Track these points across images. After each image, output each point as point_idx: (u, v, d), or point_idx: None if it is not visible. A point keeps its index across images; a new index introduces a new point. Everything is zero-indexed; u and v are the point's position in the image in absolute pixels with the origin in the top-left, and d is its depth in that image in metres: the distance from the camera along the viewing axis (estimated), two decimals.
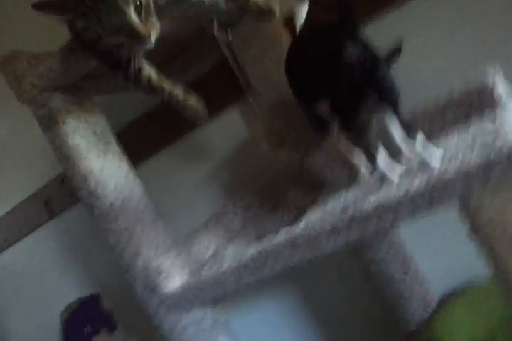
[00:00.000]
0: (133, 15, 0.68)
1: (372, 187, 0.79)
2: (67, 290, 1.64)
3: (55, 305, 1.47)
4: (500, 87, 0.91)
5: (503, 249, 0.67)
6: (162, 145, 1.39)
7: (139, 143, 1.32)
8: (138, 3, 0.69)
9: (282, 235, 0.81)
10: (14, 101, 0.89)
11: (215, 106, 1.18)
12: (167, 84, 0.83)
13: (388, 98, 0.77)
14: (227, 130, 1.28)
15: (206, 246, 1.03)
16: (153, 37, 0.71)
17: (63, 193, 1.53)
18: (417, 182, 0.69)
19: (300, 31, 0.97)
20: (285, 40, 1.12)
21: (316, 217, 0.82)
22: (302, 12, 0.99)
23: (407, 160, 0.78)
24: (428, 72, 1.09)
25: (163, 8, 0.79)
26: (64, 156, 0.90)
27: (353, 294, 1.30)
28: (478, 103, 0.93)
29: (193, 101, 0.85)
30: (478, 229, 0.68)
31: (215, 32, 1.00)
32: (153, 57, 0.82)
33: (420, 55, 1.07)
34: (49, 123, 0.89)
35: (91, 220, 0.93)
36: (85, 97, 0.97)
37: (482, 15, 1.05)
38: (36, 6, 0.68)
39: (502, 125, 0.79)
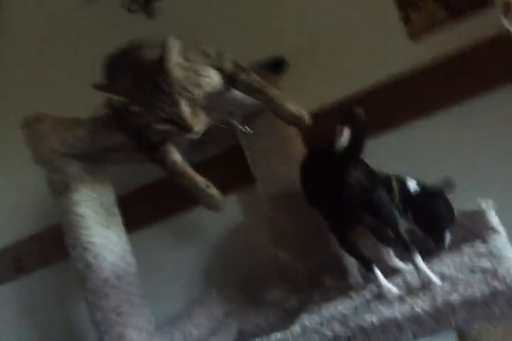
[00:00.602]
0: (185, 107, 0.72)
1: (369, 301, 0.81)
2: None
3: None
4: (493, 218, 0.98)
5: None
6: (157, 218, 1.38)
7: (133, 211, 1.31)
8: (190, 96, 0.73)
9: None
10: None
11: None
12: (190, 171, 0.86)
13: (383, 216, 0.84)
14: (224, 215, 1.29)
15: (189, 334, 1.00)
16: (199, 129, 0.75)
17: (36, 253, 1.48)
18: (422, 302, 0.71)
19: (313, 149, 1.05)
20: (295, 138, 1.20)
21: (312, 324, 0.81)
22: None
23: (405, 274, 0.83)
24: None
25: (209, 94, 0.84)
26: (68, 224, 0.89)
27: None
28: (472, 227, 0.99)
29: (214, 192, 0.86)
30: None
31: (237, 124, 1.05)
32: None
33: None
34: (61, 189, 0.89)
35: (80, 292, 0.89)
36: (100, 167, 0.98)
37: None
38: (98, 87, 0.71)
39: (497, 251, 0.83)
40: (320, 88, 1.24)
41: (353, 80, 1.22)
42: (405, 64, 1.18)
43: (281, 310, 1.05)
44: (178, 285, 1.34)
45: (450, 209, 0.93)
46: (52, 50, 1.50)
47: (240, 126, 1.04)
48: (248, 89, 0.88)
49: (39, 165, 0.90)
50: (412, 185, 0.94)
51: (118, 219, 0.99)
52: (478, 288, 0.69)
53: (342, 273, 1.00)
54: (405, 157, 1.18)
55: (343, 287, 0.96)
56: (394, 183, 0.92)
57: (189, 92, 0.73)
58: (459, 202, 0.95)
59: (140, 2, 1.40)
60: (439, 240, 0.91)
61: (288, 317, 0.98)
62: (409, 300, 0.74)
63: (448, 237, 0.91)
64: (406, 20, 1.19)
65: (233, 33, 1.31)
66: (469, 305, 0.67)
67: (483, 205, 1.00)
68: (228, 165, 1.28)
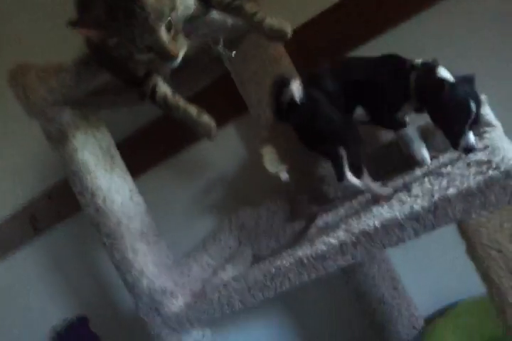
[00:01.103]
0: (163, 34, 0.71)
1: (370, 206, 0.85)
2: (53, 310, 1.60)
3: (41, 325, 1.44)
4: (487, 113, 0.99)
5: (498, 267, 0.72)
6: (158, 160, 1.40)
7: (134, 157, 1.33)
8: (167, 20, 0.72)
9: (287, 256, 0.83)
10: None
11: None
12: (182, 103, 0.86)
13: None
14: (224, 146, 1.31)
15: (206, 264, 1.05)
16: (181, 55, 0.74)
17: (50, 210, 1.52)
18: (421, 201, 0.73)
19: None
20: (284, 60, 1.18)
21: (318, 236, 0.85)
22: None
23: None
24: None
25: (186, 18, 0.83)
26: (72, 172, 0.91)
27: (342, 314, 1.33)
28: None
29: (206, 119, 0.87)
30: (474, 248, 0.73)
31: (221, 49, 1.03)
32: None
33: None
34: (58, 138, 0.91)
35: (97, 237, 0.93)
36: (93, 112, 0.99)
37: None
38: (72, 24, 0.70)
39: (492, 143, 0.85)
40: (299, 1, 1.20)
41: None
42: None
43: (290, 230, 1.09)
44: (191, 220, 1.38)
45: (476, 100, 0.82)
46: None
47: (222, 51, 1.02)
48: (225, 8, 0.86)
49: (32, 117, 0.91)
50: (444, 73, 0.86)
51: (119, 161, 1.00)
52: (474, 180, 0.71)
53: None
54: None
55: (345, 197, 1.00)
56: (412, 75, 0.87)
57: (165, 16, 0.71)
58: None
59: None
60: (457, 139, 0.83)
61: (297, 236, 1.03)
62: (408, 199, 0.77)
63: (470, 138, 0.83)
64: None
65: None
66: (466, 196, 0.69)
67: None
68: (220, 95, 1.27)
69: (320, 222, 0.97)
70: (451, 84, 0.82)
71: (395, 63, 0.90)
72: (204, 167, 1.36)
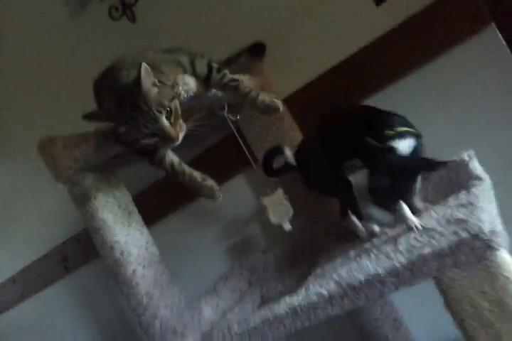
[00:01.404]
0: (165, 122, 0.83)
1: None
2: None
3: None
4: (476, 167, 1.06)
5: (472, 320, 0.78)
6: (174, 209, 1.52)
7: (152, 206, 1.45)
8: (168, 110, 0.84)
9: (284, 304, 0.91)
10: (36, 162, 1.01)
11: (222, 174, 1.35)
12: (187, 169, 0.98)
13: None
14: (235, 195, 1.42)
15: (216, 306, 1.14)
16: (181, 137, 0.86)
17: (79, 251, 1.65)
18: (402, 258, 0.81)
19: None
20: (287, 119, 1.29)
21: (312, 287, 0.92)
22: None
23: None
24: None
25: (186, 102, 0.95)
26: (94, 228, 1.02)
27: None
28: (456, 179, 1.07)
29: (209, 183, 0.98)
30: (449, 302, 0.80)
31: (226, 113, 1.15)
32: None
33: None
34: (82, 200, 1.02)
35: (114, 285, 1.04)
36: (112, 173, 1.11)
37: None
38: (87, 117, 0.83)
39: (474, 204, 0.91)
40: (301, 65, 1.32)
41: (331, 53, 1.29)
42: (375, 29, 1.23)
43: (296, 275, 1.17)
44: (203, 265, 1.48)
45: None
46: (47, 68, 1.63)
47: (227, 116, 1.13)
48: (222, 88, 0.98)
49: (59, 182, 1.03)
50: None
51: (137, 216, 1.11)
52: (448, 239, 0.78)
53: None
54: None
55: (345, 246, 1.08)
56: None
57: (165, 107, 0.83)
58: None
59: (120, 8, 1.49)
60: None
61: (300, 282, 1.11)
62: (390, 254, 0.85)
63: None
64: None
65: (211, 25, 1.39)
66: (439, 255, 0.77)
67: (465, 156, 1.08)
68: (232, 149, 1.38)
69: (318, 269, 1.05)
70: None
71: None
72: (215, 215, 1.46)
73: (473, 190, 0.99)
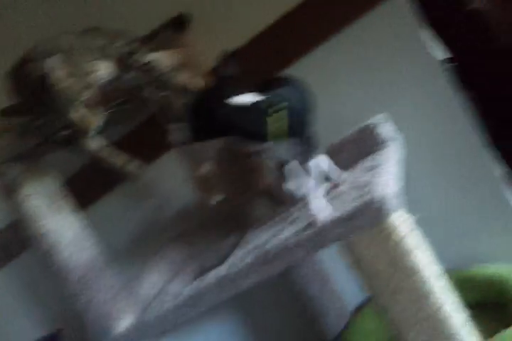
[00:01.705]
0: (76, 115, 0.86)
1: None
2: (26, 330, 1.76)
3: None
4: (386, 130, 1.15)
5: (373, 282, 0.89)
6: (105, 191, 1.54)
7: (84, 189, 1.47)
8: (80, 100, 0.87)
9: (211, 276, 0.99)
10: None
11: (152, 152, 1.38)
12: (106, 155, 1.02)
13: None
14: (167, 172, 1.47)
15: (153, 283, 1.20)
16: (94, 128, 0.89)
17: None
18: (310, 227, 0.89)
19: None
20: None
21: (237, 256, 1.01)
22: None
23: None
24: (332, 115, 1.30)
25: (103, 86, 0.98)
26: (23, 218, 1.05)
27: (282, 310, 1.51)
28: (367, 142, 1.16)
29: (130, 168, 1.03)
30: (353, 263, 0.90)
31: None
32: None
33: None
34: (9, 190, 1.05)
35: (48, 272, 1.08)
36: (38, 161, 1.12)
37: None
38: (5, 113, 0.85)
39: (376, 169, 1.01)
40: (222, 37, 1.33)
41: (249, 25, 1.32)
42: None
43: (230, 244, 1.25)
44: (142, 243, 1.54)
45: None
46: None
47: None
48: (138, 70, 1.01)
49: None
50: None
51: (67, 202, 1.14)
52: (350, 205, 0.87)
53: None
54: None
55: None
56: None
57: (77, 98, 0.86)
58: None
59: None
60: None
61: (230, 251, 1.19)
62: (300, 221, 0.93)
63: None
64: None
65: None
66: (338, 222, 0.86)
67: (376, 119, 1.16)
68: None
69: (248, 239, 1.12)
70: None
71: None
72: (146, 193, 1.51)
73: (380, 153, 1.09)
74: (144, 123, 1.44)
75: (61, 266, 1.05)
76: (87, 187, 1.45)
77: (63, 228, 1.09)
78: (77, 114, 0.86)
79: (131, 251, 1.53)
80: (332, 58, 1.30)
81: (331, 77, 1.32)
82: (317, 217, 0.89)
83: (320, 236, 0.87)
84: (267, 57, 1.32)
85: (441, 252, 0.98)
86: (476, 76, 1.34)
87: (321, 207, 0.91)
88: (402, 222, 0.87)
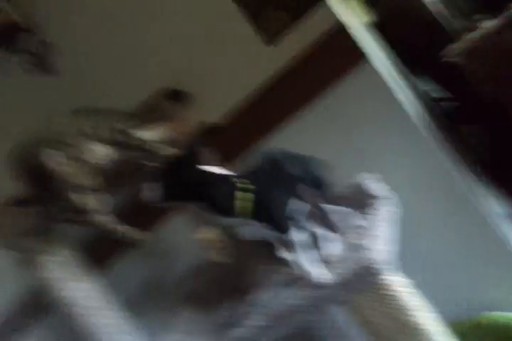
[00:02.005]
0: (77, 200, 0.96)
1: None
2: None
3: None
4: (377, 189, 1.18)
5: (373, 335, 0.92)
6: (120, 254, 1.54)
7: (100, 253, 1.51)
8: (82, 188, 0.95)
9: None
10: None
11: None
12: (110, 225, 1.09)
13: None
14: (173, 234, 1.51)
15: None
16: (94, 208, 0.99)
17: None
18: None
19: None
20: None
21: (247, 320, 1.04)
22: None
23: None
24: None
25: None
26: (43, 286, 1.13)
27: None
28: (358, 201, 1.18)
29: (131, 234, 1.10)
30: (359, 322, 0.94)
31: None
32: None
33: None
34: (28, 262, 1.12)
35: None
36: (54, 233, 1.19)
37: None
38: (18, 205, 0.94)
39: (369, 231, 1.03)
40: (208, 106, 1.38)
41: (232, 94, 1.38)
42: (268, 69, 1.33)
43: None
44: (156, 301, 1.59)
45: None
46: None
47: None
48: (128, 148, 1.09)
49: (5, 249, 1.12)
50: None
51: (83, 267, 1.21)
52: (346, 270, 0.91)
53: None
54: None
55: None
56: None
57: (76, 187, 0.95)
58: None
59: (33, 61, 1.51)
60: None
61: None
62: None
63: None
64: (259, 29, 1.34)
65: (126, 74, 1.46)
66: (340, 286, 0.90)
67: (364, 178, 1.20)
68: None
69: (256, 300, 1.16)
70: None
71: None
72: (162, 252, 1.57)
73: (372, 213, 1.10)
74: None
75: (81, 329, 1.11)
76: (101, 251, 1.52)
77: (82, 292, 1.15)
78: (77, 198, 0.95)
79: (147, 309, 1.58)
80: (316, 122, 1.34)
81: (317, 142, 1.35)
82: (315, 282, 0.93)
83: (320, 299, 0.91)
84: (247, 128, 1.37)
85: (449, 302, 1.01)
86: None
87: (318, 273, 0.95)
88: (397, 283, 0.91)
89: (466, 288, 1.30)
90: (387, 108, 1.28)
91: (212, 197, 0.98)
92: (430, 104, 1.52)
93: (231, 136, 1.35)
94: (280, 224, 0.98)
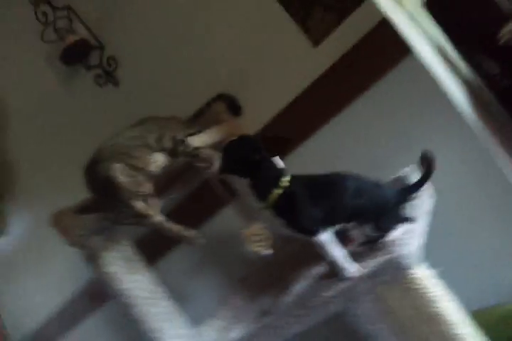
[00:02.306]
0: (140, 207, 1.08)
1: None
2: None
3: None
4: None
5: (402, 326, 0.99)
6: (172, 246, 1.72)
7: (154, 246, 1.65)
8: (140, 195, 1.07)
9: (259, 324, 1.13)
10: None
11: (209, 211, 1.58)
12: (167, 225, 1.20)
13: None
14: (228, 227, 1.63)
15: (218, 328, 1.35)
16: (156, 213, 1.11)
17: None
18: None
19: None
20: None
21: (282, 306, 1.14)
22: None
23: None
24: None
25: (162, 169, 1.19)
26: (104, 281, 1.27)
27: None
28: None
29: (188, 234, 1.21)
30: (384, 312, 1.00)
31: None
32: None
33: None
34: (92, 259, 1.27)
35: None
36: (114, 231, 1.34)
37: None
38: (80, 213, 1.07)
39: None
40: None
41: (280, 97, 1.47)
42: (316, 70, 1.41)
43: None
44: (209, 289, 1.72)
45: None
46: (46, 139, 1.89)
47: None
48: (186, 156, 1.20)
49: (72, 247, 1.27)
50: None
51: (140, 263, 1.35)
52: (373, 263, 0.99)
53: None
54: (343, 151, 1.46)
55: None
56: None
57: (138, 195, 1.08)
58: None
59: (103, 75, 1.70)
60: None
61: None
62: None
63: None
64: (305, 30, 1.40)
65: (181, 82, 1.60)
66: (366, 278, 0.98)
67: (407, 171, 1.26)
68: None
69: (292, 290, 1.25)
70: None
71: None
72: (211, 248, 1.68)
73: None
74: (198, 188, 1.63)
75: (138, 318, 1.24)
76: (157, 243, 1.65)
77: (138, 286, 1.29)
78: (141, 206, 1.07)
79: (200, 295, 1.71)
80: (363, 116, 1.42)
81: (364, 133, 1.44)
82: (346, 274, 1.01)
83: (350, 290, 0.99)
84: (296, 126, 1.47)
85: (476, 290, 1.05)
86: None
87: (349, 265, 1.02)
88: (423, 276, 0.97)
89: (494, 275, 1.34)
90: (432, 101, 1.32)
91: (258, 178, 1.07)
92: (486, 82, 1.56)
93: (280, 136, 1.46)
94: (303, 230, 1.06)
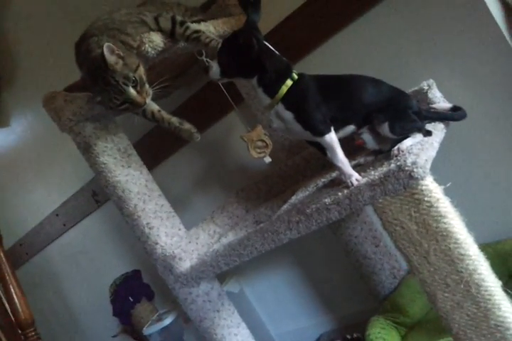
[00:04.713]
0: (131, 92, 0.97)
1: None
2: (114, 266, 2.00)
3: (105, 278, 1.83)
4: (436, 95, 1.14)
5: (403, 240, 0.92)
6: (171, 152, 1.69)
7: (152, 151, 1.62)
8: (133, 79, 0.97)
9: (257, 229, 1.07)
10: None
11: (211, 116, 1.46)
12: (166, 116, 1.12)
13: None
14: (227, 132, 1.56)
15: (213, 232, 1.32)
16: (148, 101, 1.01)
17: None
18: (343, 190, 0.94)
19: None
20: None
21: (282, 212, 1.08)
22: None
23: None
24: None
25: (156, 56, 1.07)
26: (97, 172, 1.20)
27: (337, 267, 1.59)
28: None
29: (187, 126, 1.12)
30: (385, 225, 0.93)
31: (204, 58, 1.24)
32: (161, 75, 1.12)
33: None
34: (84, 147, 1.19)
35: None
36: (109, 121, 1.25)
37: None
38: (68, 90, 0.97)
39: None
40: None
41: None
42: None
43: (281, 202, 1.32)
44: (206, 198, 1.67)
45: None
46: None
47: (206, 61, 1.22)
48: (186, 40, 1.09)
49: (64, 132, 1.19)
50: None
51: (136, 157, 1.27)
52: (378, 171, 0.90)
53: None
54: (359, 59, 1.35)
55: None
56: None
57: (131, 79, 0.97)
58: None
59: None
60: None
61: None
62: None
63: None
64: None
65: None
66: (370, 185, 0.89)
67: (425, 85, 1.15)
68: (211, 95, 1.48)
69: (293, 198, 1.19)
70: None
71: None
72: (211, 154, 1.62)
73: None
74: (204, 88, 1.53)
75: (130, 213, 1.20)
76: (152, 150, 1.59)
77: (132, 180, 1.23)
78: (132, 91, 0.97)
79: (196, 203, 1.67)
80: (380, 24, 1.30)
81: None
82: (350, 180, 0.93)
83: (353, 197, 0.91)
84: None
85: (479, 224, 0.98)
86: None
87: (353, 172, 0.94)
88: (431, 189, 0.88)
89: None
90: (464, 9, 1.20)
91: (265, 71, 0.95)
92: None
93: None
94: (313, 125, 0.95)
